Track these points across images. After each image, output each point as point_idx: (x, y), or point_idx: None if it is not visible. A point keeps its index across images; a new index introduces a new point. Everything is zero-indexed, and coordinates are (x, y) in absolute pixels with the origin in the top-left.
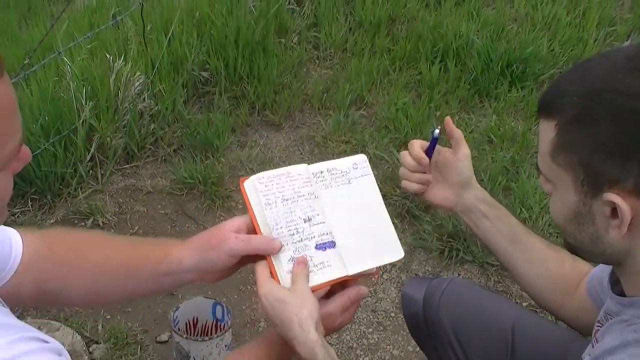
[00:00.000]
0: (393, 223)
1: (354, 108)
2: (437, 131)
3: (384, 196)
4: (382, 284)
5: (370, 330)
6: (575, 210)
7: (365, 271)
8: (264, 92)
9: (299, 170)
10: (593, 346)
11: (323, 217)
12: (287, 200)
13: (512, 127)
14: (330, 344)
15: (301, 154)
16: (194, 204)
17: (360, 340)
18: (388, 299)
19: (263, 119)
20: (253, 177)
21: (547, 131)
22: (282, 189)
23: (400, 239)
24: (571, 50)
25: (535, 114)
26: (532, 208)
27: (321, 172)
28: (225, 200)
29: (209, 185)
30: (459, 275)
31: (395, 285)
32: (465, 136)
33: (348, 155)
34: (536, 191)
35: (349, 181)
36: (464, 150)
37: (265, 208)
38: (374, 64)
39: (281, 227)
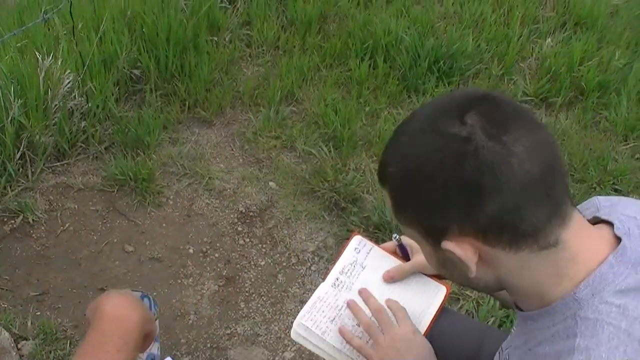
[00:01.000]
0: (320, 216)
1: (285, 104)
2: (396, 236)
3: (312, 190)
4: (310, 275)
5: None
6: (437, 258)
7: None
8: (196, 90)
9: (324, 289)
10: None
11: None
12: (334, 319)
13: None
14: (258, 334)
15: (232, 149)
16: (125, 200)
17: (288, 330)
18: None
19: (194, 116)
20: (297, 322)
21: (386, 197)
22: (323, 313)
23: (327, 231)
24: (496, 47)
25: None
26: None
27: (337, 279)
28: (156, 196)
29: (140, 182)
30: None
31: (322, 277)
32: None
33: (278, 149)
34: None
35: (363, 267)
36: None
37: (324, 339)
38: (305, 60)
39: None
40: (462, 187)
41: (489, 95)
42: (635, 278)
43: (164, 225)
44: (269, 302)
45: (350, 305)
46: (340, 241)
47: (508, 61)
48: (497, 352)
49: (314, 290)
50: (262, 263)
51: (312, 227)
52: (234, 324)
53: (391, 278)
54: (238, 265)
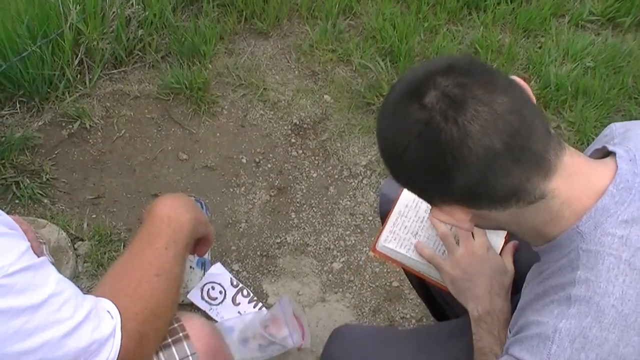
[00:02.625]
0: (374, 131)
1: (342, 18)
2: None
3: (367, 104)
4: (362, 189)
5: (348, 232)
6: None
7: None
8: (253, 0)
9: (403, 202)
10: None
11: None
12: (417, 233)
13: (498, 39)
14: (307, 244)
15: (287, 62)
16: (180, 109)
17: (337, 242)
18: (367, 203)
19: (251, 27)
20: (380, 245)
21: None
22: (406, 229)
23: None
24: None
25: (522, 27)
26: None
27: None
28: (211, 105)
29: (195, 91)
30: None
31: (374, 190)
32: (452, 47)
33: (334, 63)
34: None
35: None
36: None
37: (409, 256)
38: None
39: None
40: (429, 168)
41: (451, 67)
42: (638, 205)
43: (217, 134)
44: (319, 213)
45: (431, 217)
46: None
47: None
48: (525, 283)
49: (364, 203)
50: (314, 175)
51: (365, 141)
52: (284, 234)
53: None
54: (290, 177)
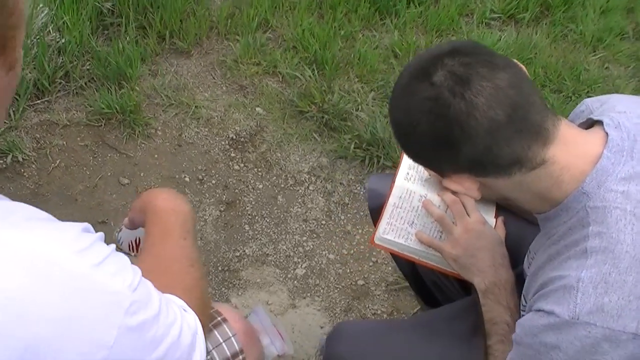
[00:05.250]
0: (312, 137)
1: (261, 31)
2: None
3: (300, 112)
4: (310, 195)
5: (305, 238)
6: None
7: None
8: (171, 20)
9: (396, 194)
10: (529, 265)
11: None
12: (413, 222)
13: (414, 41)
14: (267, 254)
15: (213, 78)
16: (113, 133)
17: (296, 248)
18: (317, 208)
19: (171, 47)
20: (379, 236)
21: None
22: (402, 219)
23: (320, 151)
24: None
25: (434, 28)
26: None
27: (407, 174)
28: (145, 127)
29: (127, 114)
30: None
31: (322, 195)
32: (371, 52)
33: (260, 75)
34: None
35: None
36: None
37: (408, 245)
38: None
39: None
40: (439, 140)
41: (455, 50)
42: (631, 164)
43: (155, 156)
44: (272, 222)
45: (425, 204)
46: (334, 160)
47: None
48: (526, 255)
49: (315, 209)
50: (260, 186)
51: (304, 149)
52: (241, 246)
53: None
54: (236, 190)
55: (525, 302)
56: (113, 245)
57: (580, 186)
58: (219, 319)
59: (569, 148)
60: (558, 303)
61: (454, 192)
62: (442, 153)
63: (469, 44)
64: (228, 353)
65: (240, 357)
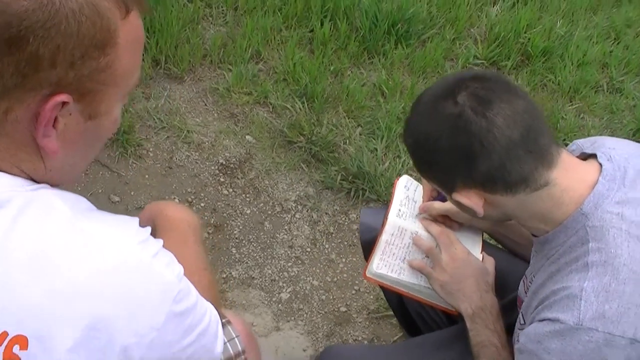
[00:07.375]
0: (299, 167)
1: (253, 62)
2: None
3: (289, 142)
4: (296, 223)
5: (290, 264)
6: (454, 203)
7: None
8: (166, 45)
9: (389, 231)
10: (527, 288)
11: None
12: (404, 258)
13: (400, 81)
14: (253, 277)
15: (205, 105)
16: (106, 152)
17: (281, 273)
18: (302, 236)
19: (165, 72)
20: (372, 272)
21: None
22: (394, 255)
23: (307, 181)
24: (447, 13)
25: (420, 69)
26: None
27: (399, 211)
28: (137, 148)
29: (121, 134)
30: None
31: (307, 223)
32: (359, 89)
33: (251, 105)
34: None
35: (414, 201)
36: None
37: (400, 279)
38: (267, 21)
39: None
40: (459, 154)
41: (478, 76)
42: (624, 191)
43: (146, 176)
44: (259, 247)
45: (415, 239)
46: (320, 190)
47: (459, 26)
48: (522, 281)
49: (300, 236)
50: (248, 211)
51: (292, 178)
52: (228, 268)
53: (424, 211)
54: (225, 214)
55: (524, 320)
56: (161, 240)
57: (580, 207)
58: (224, 320)
59: (569, 173)
60: (563, 311)
61: (442, 221)
62: (459, 166)
63: (492, 73)
64: (232, 352)
65: (243, 357)
